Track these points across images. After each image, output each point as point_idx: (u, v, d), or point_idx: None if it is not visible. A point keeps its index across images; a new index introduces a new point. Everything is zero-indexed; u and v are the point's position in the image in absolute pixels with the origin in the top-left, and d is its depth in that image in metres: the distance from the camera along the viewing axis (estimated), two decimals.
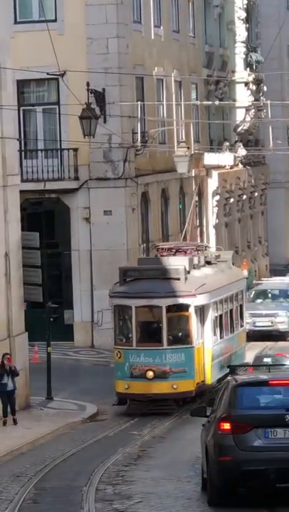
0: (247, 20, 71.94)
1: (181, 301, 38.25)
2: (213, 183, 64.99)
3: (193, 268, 40.43)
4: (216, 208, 65.58)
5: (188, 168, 58.06)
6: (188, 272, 39.35)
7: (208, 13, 66.08)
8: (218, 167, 64.74)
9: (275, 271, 75.48)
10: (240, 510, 22.88)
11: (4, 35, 38.45)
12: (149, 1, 54.58)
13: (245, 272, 70.17)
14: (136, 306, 37.80)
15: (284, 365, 35.86)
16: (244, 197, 72.46)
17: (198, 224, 63.76)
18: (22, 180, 42.46)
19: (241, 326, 46.03)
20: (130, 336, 38.38)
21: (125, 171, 48.95)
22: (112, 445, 33.72)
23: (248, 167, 72.11)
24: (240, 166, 69.98)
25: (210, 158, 63.48)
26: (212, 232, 65.21)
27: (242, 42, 71.39)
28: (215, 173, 64.91)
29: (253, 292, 56.45)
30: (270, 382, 23.65)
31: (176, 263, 39.30)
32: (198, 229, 63.94)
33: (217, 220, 65.68)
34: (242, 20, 71.12)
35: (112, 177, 47.79)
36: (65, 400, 43.17)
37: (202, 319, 39.20)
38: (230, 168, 67.22)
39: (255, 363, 42.29)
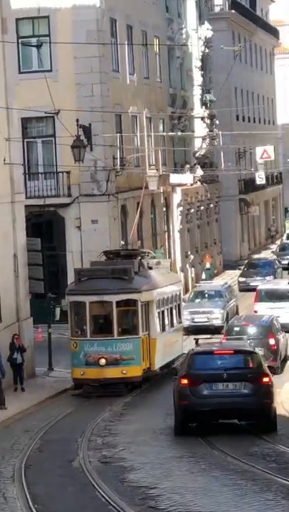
0: (202, 68, 71.89)
1: (129, 297, 36.39)
2: (177, 197, 64.93)
3: (138, 270, 38.88)
4: (180, 217, 65.48)
5: (158, 186, 58.19)
6: (135, 273, 37.81)
7: (171, 63, 66.03)
8: (181, 184, 64.66)
9: (227, 265, 75.52)
10: (191, 438, 26.16)
11: (11, 83, 38.63)
12: (125, 53, 54.55)
13: (208, 264, 71.53)
14: (89, 302, 35.89)
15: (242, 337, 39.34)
16: (202, 208, 72.39)
17: (166, 229, 63.73)
18: (26, 197, 42.43)
19: (179, 322, 44.01)
20: (85, 328, 36.29)
21: (108, 189, 48.93)
22: (101, 404, 33.73)
23: (205, 184, 71.99)
24: (199, 183, 69.84)
25: (174, 178, 63.46)
26: (177, 235, 65.15)
27: (198, 85, 71.31)
28: (178, 189, 64.87)
29: (193, 293, 54.49)
30: (215, 351, 29.00)
31: (123, 265, 38.09)
32: (166, 233, 63.95)
33: (181, 226, 65.59)
34: (198, 68, 71.11)
35: (97, 193, 47.80)
36: (63, 370, 41.84)
37: (147, 314, 37.33)
38: (191, 185, 67.13)
39: (229, 330, 43.74)
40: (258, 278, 64.81)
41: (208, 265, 71.30)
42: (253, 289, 59.01)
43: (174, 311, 41.87)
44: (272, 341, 41.02)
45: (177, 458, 22.81)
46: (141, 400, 36.07)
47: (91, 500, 17.66)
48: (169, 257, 63.28)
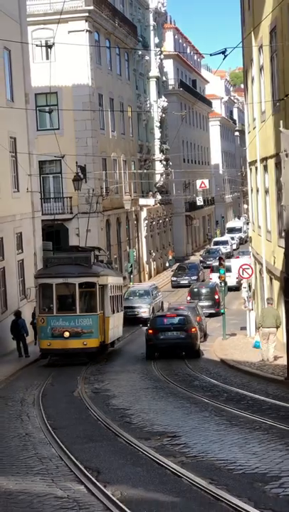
0: (160, 127, 71.84)
1: (89, 280, 31.95)
2: (143, 214, 64.86)
3: (95, 261, 34.79)
4: (145, 227, 65.46)
5: (131, 206, 58.41)
6: (92, 262, 33.67)
7: (140, 124, 66.08)
8: (146, 205, 64.59)
9: (177, 260, 75.02)
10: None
11: (32, 137, 38.66)
12: (108, 117, 54.58)
13: (170, 256, 73.78)
14: (56, 284, 31.22)
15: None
16: (160, 221, 72.46)
17: (136, 235, 63.67)
18: (42, 214, 42.36)
19: (122, 310, 39.78)
20: (51, 306, 31.41)
21: (97, 208, 48.64)
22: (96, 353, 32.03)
23: (162, 205, 72.04)
24: (158, 204, 69.86)
25: (142, 201, 63.44)
26: (144, 240, 65.14)
27: (158, 139, 71.25)
28: (145, 209, 64.82)
29: (127, 292, 48.78)
30: (166, 315, 34.67)
31: (84, 254, 33.86)
32: (137, 238, 63.89)
33: (146, 233, 65.56)
34: (157, 127, 71.05)
35: (90, 212, 47.45)
36: None
37: (102, 296, 32.82)
38: (153, 206, 67.04)
39: (191, 290, 49.85)
40: (186, 277, 61.08)
41: (170, 257, 73.90)
42: (183, 286, 58.60)
43: (118, 299, 37.93)
44: (216, 296, 46.98)
45: (144, 389, 22.76)
46: (118, 353, 35.68)
47: (86, 418, 17.66)
48: (138, 254, 63.55)
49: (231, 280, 46.97)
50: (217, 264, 49.35)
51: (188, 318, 33.03)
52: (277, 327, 26.63)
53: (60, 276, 31.49)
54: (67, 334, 30.68)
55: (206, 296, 48.69)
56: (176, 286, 61.41)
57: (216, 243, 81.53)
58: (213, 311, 46.03)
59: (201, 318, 39.47)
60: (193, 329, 32.21)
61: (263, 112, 32.40)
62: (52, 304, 31.53)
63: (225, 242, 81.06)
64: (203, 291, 49.57)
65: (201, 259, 73.87)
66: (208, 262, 69.32)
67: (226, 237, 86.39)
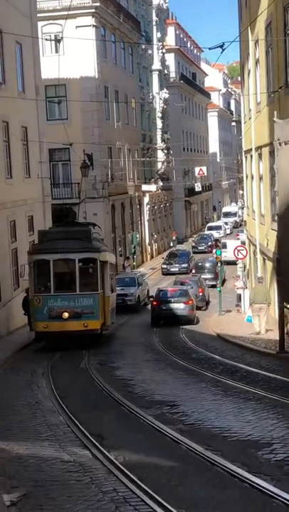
0: (162, 117, 71.55)
1: (90, 255, 27.72)
2: (146, 199, 64.76)
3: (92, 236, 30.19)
4: (148, 211, 65.36)
5: (134, 192, 58.30)
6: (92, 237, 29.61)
7: (143, 114, 65.74)
8: (148, 191, 64.54)
9: (178, 240, 74.62)
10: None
11: (42, 127, 38.41)
12: (113, 108, 54.31)
13: (174, 237, 73.06)
14: (53, 260, 26.91)
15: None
16: (161, 206, 72.33)
17: (139, 219, 63.55)
18: (52, 199, 42.22)
19: (116, 290, 35.04)
20: (48, 284, 27.12)
21: (103, 194, 48.67)
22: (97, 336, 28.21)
23: (163, 191, 71.96)
24: (160, 190, 69.76)
25: (144, 187, 63.29)
26: (146, 223, 65.05)
27: (159, 128, 71.04)
28: (147, 195, 64.74)
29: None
30: (169, 290, 36.59)
31: (84, 227, 29.98)
32: (140, 221, 63.72)
33: (148, 217, 65.49)
34: (159, 117, 70.81)
35: (96, 197, 47.47)
36: None
37: (102, 273, 28.39)
38: (155, 192, 66.99)
39: (196, 265, 52.67)
40: (176, 265, 56.38)
41: (174, 237, 73.09)
42: (172, 274, 53.83)
43: (113, 279, 33.20)
44: (216, 269, 45.27)
45: (146, 361, 22.82)
46: (124, 326, 35.49)
47: (92, 387, 17.73)
48: (141, 236, 63.48)
49: (229, 255, 46.90)
50: (224, 240, 54.35)
51: (186, 292, 35.97)
52: (269, 303, 27.11)
53: (59, 251, 27.16)
54: (66, 315, 26.39)
55: (209, 270, 50.67)
56: (166, 273, 56.17)
57: (210, 228, 79.37)
58: (215, 283, 46.35)
59: (204, 289, 41.90)
60: (190, 301, 35.18)
61: (258, 103, 32.30)
62: (49, 282, 27.25)
63: (218, 227, 78.69)
64: (207, 265, 51.55)
65: (194, 244, 71.14)
66: (200, 248, 67.67)
67: (220, 222, 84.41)
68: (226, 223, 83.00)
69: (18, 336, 30.67)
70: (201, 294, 40.78)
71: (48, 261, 26.76)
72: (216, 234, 72.97)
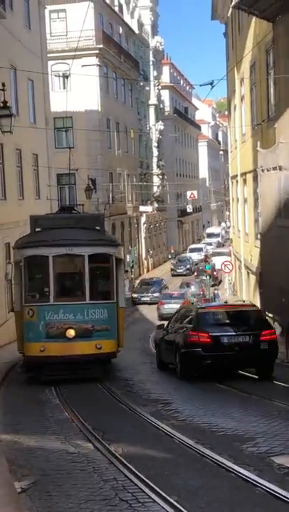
0: (158, 146, 71.92)
1: (105, 250, 18.27)
2: (143, 219, 64.88)
3: None
4: (145, 230, 65.50)
5: (132, 212, 58.45)
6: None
7: (140, 143, 66.00)
8: (145, 212, 64.72)
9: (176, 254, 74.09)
10: (149, 354, 22.60)
11: (51, 154, 38.52)
12: (114, 138, 54.49)
13: (172, 251, 74.52)
14: (54, 256, 17.58)
15: None
16: (157, 225, 72.47)
17: (137, 236, 63.50)
18: None
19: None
20: (46, 290, 17.78)
21: (105, 214, 48.74)
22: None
23: (159, 212, 72.06)
24: (155, 211, 69.85)
25: (142, 208, 63.46)
26: (143, 240, 65.10)
27: (155, 156, 71.44)
28: (144, 215, 64.88)
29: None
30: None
31: (94, 213, 19.84)
32: (137, 239, 63.69)
33: (145, 235, 65.59)
34: (155, 146, 71.19)
35: None
36: None
37: (117, 275, 18.78)
38: (151, 213, 67.11)
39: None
40: (148, 294, 47.03)
41: (172, 251, 74.75)
42: (144, 303, 46.38)
43: (126, 284, 24.19)
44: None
45: (142, 363, 22.77)
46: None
47: (95, 387, 17.62)
48: (138, 252, 63.45)
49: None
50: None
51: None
52: None
53: (61, 243, 17.75)
54: (71, 333, 17.11)
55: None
56: (138, 303, 47.01)
57: (192, 250, 72.89)
58: (212, 283, 51.09)
59: (204, 289, 46.36)
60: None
61: (243, 135, 32.44)
62: (47, 287, 17.74)
63: (199, 249, 70.99)
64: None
65: (172, 267, 64.36)
66: (178, 270, 62.01)
67: (201, 244, 78.39)
68: (210, 244, 78.47)
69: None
70: (201, 292, 44.84)
71: (46, 257, 17.49)
72: (196, 256, 66.60)
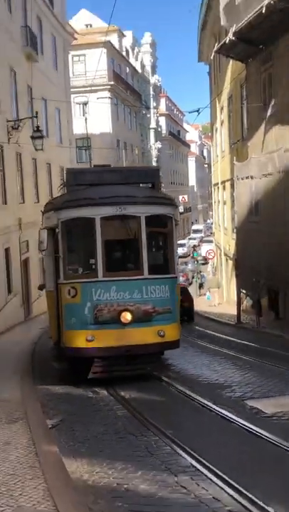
0: (156, 161, 70.91)
1: (163, 211, 10.33)
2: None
3: None
4: None
5: None
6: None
7: (144, 159, 65.22)
8: None
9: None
10: None
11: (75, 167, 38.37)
12: (123, 154, 54.23)
13: None
14: (102, 218, 9.53)
15: None
16: None
17: None
18: None
19: None
20: (93, 262, 9.70)
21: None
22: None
23: None
24: None
25: None
26: None
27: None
28: None
29: None
30: None
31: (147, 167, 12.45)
32: None
33: None
34: (154, 161, 70.25)
35: None
36: None
37: (173, 244, 10.70)
38: None
39: None
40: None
41: None
42: None
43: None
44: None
45: None
46: None
47: None
48: None
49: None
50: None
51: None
52: (218, 287, 32.79)
53: (112, 202, 10.49)
54: (128, 317, 10.22)
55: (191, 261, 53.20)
56: None
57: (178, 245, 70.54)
58: (203, 262, 50.45)
59: (187, 274, 45.09)
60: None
61: (222, 151, 32.36)
62: (94, 258, 10.51)
63: (182, 245, 63.00)
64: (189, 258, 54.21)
65: None
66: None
67: (185, 240, 72.66)
68: (194, 239, 74.49)
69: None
70: (184, 277, 42.61)
71: (92, 220, 10.52)
72: (180, 250, 59.15)
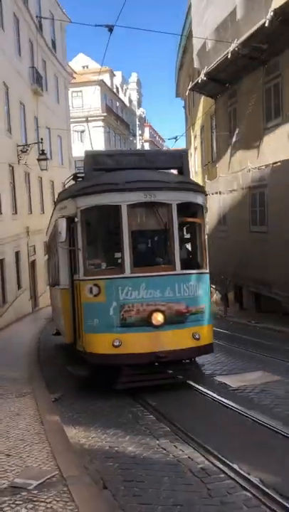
0: None
1: (195, 198, 6.69)
2: None
3: None
4: None
5: None
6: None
7: None
8: None
9: None
10: None
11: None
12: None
13: None
14: (129, 205, 5.99)
15: None
16: None
17: None
18: None
19: None
20: (118, 256, 6.33)
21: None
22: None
23: None
24: None
25: None
26: None
27: None
28: None
29: None
30: None
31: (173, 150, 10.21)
32: None
33: None
34: None
35: None
36: None
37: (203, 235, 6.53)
38: None
39: None
40: None
41: None
42: None
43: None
44: None
45: None
46: None
47: None
48: None
49: None
50: None
51: None
52: None
53: (139, 187, 6.99)
54: (159, 318, 6.97)
55: None
56: None
57: None
58: None
59: None
60: None
61: (196, 172, 32.53)
62: (120, 251, 7.06)
63: None
64: None
65: None
66: None
67: None
68: None
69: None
70: None
71: (117, 208, 7.19)
72: None
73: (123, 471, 5.25)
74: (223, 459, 5.37)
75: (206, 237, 8.04)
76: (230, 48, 16.67)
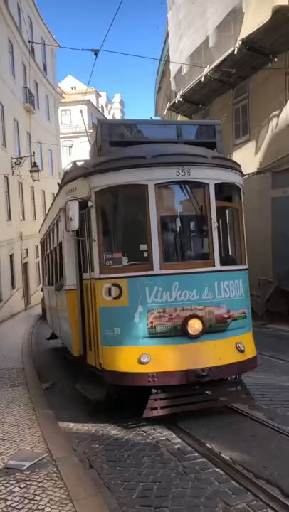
0: None
1: (235, 179, 3.78)
2: None
3: None
4: None
5: None
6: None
7: None
8: None
9: None
10: None
11: None
12: None
13: None
14: (158, 184, 3.24)
15: None
16: None
17: None
18: None
19: None
20: (145, 249, 3.41)
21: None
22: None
23: None
24: None
25: None
26: None
27: None
28: None
29: None
30: None
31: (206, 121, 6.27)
32: None
33: None
34: None
35: None
36: None
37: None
38: None
39: None
40: None
41: None
42: None
43: None
44: None
45: None
46: None
47: None
48: None
49: None
50: None
51: None
52: None
53: (170, 162, 4.31)
54: (197, 326, 4.52)
55: None
56: None
57: None
58: None
59: None
60: None
61: None
62: (146, 243, 4.38)
63: None
64: None
65: None
66: None
67: None
68: None
69: None
70: None
71: (143, 188, 4.54)
72: None
73: (107, 452, 5.19)
74: (199, 438, 5.30)
75: (244, 226, 5.60)
76: (204, 73, 16.98)
